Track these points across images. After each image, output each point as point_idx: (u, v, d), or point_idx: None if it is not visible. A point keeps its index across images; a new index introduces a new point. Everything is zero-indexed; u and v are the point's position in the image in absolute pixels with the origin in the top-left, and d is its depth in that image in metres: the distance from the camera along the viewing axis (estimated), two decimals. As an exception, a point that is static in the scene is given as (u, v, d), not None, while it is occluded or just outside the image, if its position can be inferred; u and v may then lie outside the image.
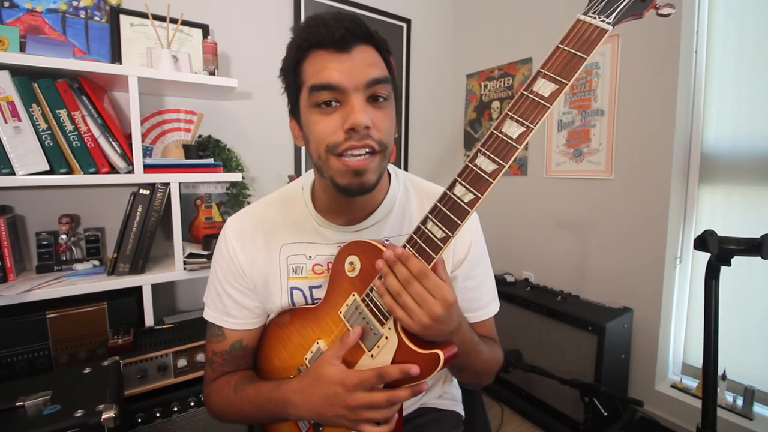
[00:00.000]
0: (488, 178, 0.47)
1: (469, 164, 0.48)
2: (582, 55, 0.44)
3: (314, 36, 0.55)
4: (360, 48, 0.56)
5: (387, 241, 0.67)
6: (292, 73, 0.59)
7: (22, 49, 1.21)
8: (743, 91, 1.40)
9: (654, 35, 1.51)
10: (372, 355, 0.57)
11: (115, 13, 1.41)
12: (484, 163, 0.47)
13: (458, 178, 0.49)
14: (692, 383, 1.54)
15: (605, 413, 1.34)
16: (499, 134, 0.47)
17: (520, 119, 0.46)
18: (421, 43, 2.25)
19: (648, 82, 1.54)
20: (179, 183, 1.35)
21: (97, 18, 1.39)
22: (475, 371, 0.67)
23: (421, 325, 0.50)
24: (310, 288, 0.70)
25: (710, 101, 1.49)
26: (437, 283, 0.49)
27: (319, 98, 0.56)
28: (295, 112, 0.63)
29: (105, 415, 0.75)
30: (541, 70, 0.46)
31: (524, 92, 0.47)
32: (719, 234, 0.84)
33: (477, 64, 2.26)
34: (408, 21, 2.17)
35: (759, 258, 0.79)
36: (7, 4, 1.26)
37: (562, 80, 0.45)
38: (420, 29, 2.23)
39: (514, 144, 0.46)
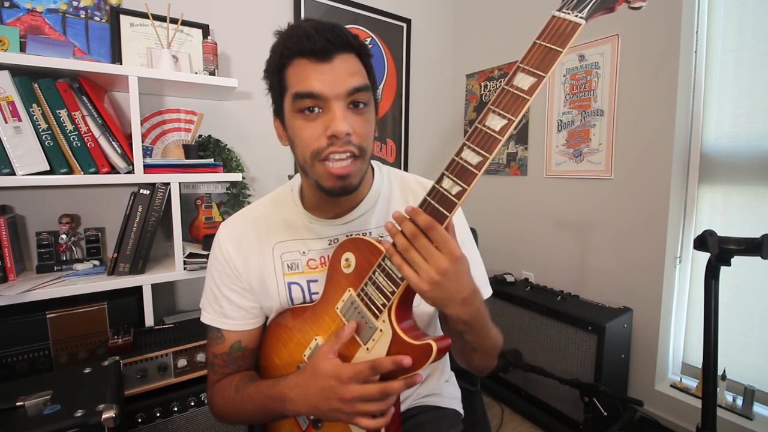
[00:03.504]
0: (474, 170, 0.48)
1: (455, 158, 0.50)
2: (558, 48, 0.46)
3: (296, 45, 0.58)
4: (341, 57, 0.59)
5: (381, 237, 0.68)
6: (276, 76, 0.62)
7: (23, 49, 1.21)
8: (743, 91, 1.40)
9: (654, 35, 1.51)
10: (368, 349, 0.58)
11: (115, 13, 1.41)
12: (470, 156, 0.49)
13: (445, 172, 0.51)
14: (692, 383, 1.54)
15: (605, 413, 1.34)
16: (483, 127, 0.49)
17: (502, 112, 0.48)
18: (421, 43, 2.25)
19: (648, 82, 1.54)
20: (179, 183, 1.35)
21: (97, 18, 1.39)
22: (485, 350, 0.66)
23: (429, 280, 0.49)
24: (308, 282, 0.72)
25: (710, 101, 1.48)
26: (444, 236, 0.49)
27: (302, 105, 0.58)
28: (279, 113, 0.65)
29: (105, 415, 0.75)
30: (520, 64, 0.48)
31: (505, 86, 0.49)
32: (719, 234, 0.84)
33: (477, 64, 2.26)
34: (408, 21, 2.17)
35: (759, 258, 0.79)
36: (7, 4, 1.26)
37: (540, 73, 0.46)
38: (420, 29, 2.23)
39: (497, 136, 0.47)
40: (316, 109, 0.58)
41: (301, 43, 0.57)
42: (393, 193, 0.75)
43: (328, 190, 0.61)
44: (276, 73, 0.61)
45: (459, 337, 0.60)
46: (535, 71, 0.47)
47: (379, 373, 0.54)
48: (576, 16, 0.46)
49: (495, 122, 0.48)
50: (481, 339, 0.61)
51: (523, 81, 0.47)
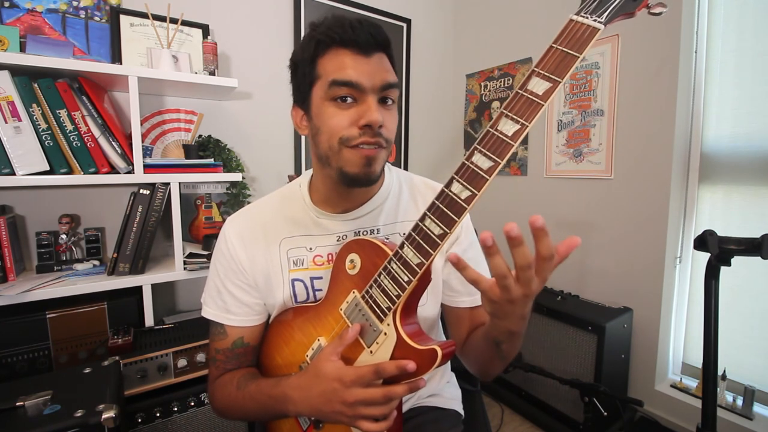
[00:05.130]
0: (484, 175, 0.47)
1: (466, 162, 0.49)
2: (575, 53, 0.45)
3: (339, 35, 0.59)
4: (378, 54, 0.61)
5: (387, 239, 0.68)
6: (308, 65, 0.62)
7: (22, 49, 1.21)
8: (743, 91, 1.40)
9: (654, 35, 1.51)
10: (371, 351, 0.57)
11: (115, 13, 1.41)
12: (481, 161, 0.48)
13: (455, 176, 0.50)
14: (692, 383, 1.54)
15: (605, 413, 1.34)
16: (495, 132, 0.48)
17: (516, 117, 0.47)
18: (421, 43, 2.25)
19: (648, 82, 1.54)
20: (179, 183, 1.35)
21: (97, 18, 1.39)
22: (510, 358, 0.64)
23: (510, 299, 0.47)
24: (312, 279, 0.72)
25: (710, 101, 1.49)
26: (552, 267, 0.45)
27: (337, 93, 0.60)
28: (302, 102, 0.66)
29: (105, 415, 0.75)
30: (535, 69, 0.47)
31: (519, 91, 0.47)
32: (719, 234, 0.84)
33: (477, 64, 2.26)
34: (408, 21, 2.17)
35: (759, 258, 0.80)
36: (7, 4, 1.26)
37: (556, 78, 0.45)
38: (420, 29, 2.23)
39: (509, 141, 0.47)
40: (349, 99, 0.60)
41: (345, 33, 0.59)
42: (402, 193, 0.76)
43: (353, 176, 0.61)
44: (308, 62, 0.62)
45: (495, 347, 0.59)
46: (551, 76, 0.46)
47: (383, 378, 0.54)
48: (594, 20, 0.45)
49: (508, 127, 0.47)
50: (514, 349, 0.60)
51: (538, 86, 0.46)
